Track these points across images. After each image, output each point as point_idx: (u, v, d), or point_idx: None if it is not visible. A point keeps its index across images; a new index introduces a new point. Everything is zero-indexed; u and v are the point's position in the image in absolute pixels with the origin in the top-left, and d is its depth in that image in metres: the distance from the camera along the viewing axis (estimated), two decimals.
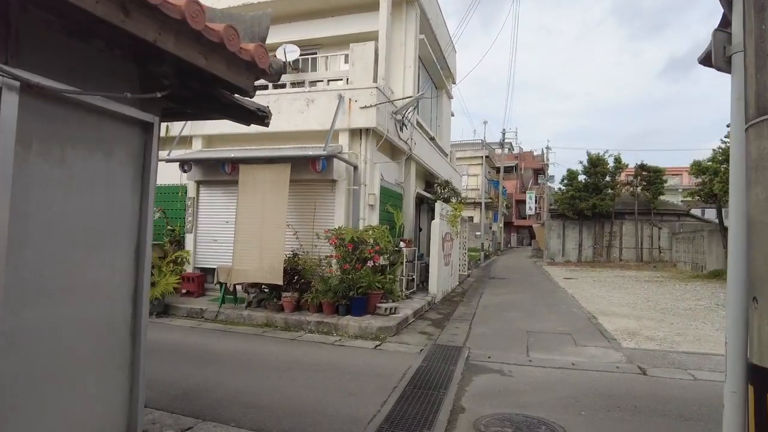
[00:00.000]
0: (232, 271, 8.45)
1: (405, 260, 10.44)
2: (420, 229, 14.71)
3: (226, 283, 8.73)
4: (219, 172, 9.32)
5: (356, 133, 9.43)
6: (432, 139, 14.95)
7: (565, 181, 26.77)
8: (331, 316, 7.93)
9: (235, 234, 8.59)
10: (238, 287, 8.93)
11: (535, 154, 64.93)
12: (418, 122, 13.12)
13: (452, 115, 19.05)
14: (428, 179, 15.52)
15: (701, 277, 18.10)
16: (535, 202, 47.20)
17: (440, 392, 4.85)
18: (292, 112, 9.58)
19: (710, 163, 18.49)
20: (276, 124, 9.66)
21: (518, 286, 15.42)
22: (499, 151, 40.76)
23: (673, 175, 49.50)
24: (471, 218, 38.45)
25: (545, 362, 6.13)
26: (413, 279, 11.22)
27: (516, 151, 60.54)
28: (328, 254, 8.36)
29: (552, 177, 50.61)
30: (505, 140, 36.54)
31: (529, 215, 47.98)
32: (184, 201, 10.43)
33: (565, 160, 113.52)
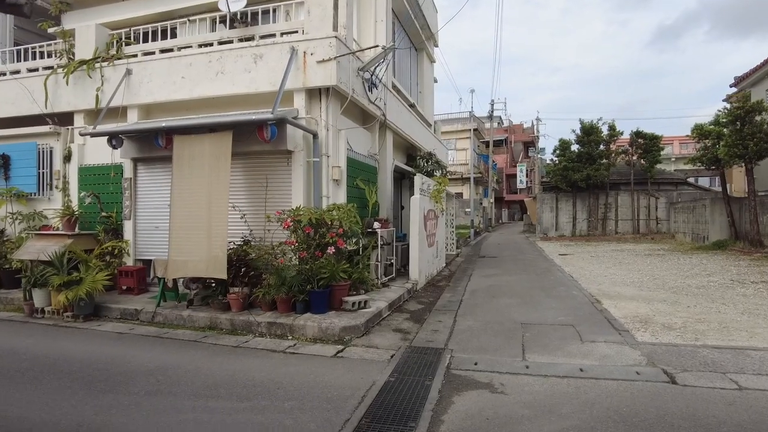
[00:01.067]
0: (168, 264, 7.05)
1: (381, 243, 9.09)
2: (402, 208, 13.36)
3: (165, 279, 7.35)
4: (156, 147, 7.83)
5: (314, 94, 7.95)
6: (412, 106, 13.47)
7: (557, 152, 25.38)
8: (286, 314, 6.58)
9: (170, 219, 7.16)
10: (180, 282, 7.54)
11: (525, 126, 63.54)
12: (394, 86, 11.63)
13: (435, 81, 17.52)
14: (410, 152, 14.10)
15: (704, 248, 16.96)
16: (526, 176, 45.98)
17: (407, 427, 3.54)
18: (237, 71, 8.05)
19: (713, 126, 17.18)
20: (219, 88, 8.20)
21: (510, 265, 14.17)
22: (488, 125, 39.20)
23: (663, 144, 48.49)
24: (460, 194, 37.18)
25: (546, 368, 4.84)
26: (392, 263, 9.89)
27: (506, 124, 59.17)
28: (285, 240, 6.96)
29: (543, 149, 49.34)
30: (494, 111, 35.01)
31: (521, 189, 46.81)
32: (120, 183, 8.93)
33: (556, 132, 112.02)
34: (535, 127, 49.69)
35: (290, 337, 6.18)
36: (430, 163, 13.44)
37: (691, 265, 12.94)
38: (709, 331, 6.14)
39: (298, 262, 6.81)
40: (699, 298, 8.32)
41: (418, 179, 9.76)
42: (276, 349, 5.71)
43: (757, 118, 15.20)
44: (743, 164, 15.81)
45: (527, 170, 44.18)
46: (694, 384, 4.35)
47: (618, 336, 5.99)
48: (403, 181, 13.40)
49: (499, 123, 58.81)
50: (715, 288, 9.33)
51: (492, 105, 35.28)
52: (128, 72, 8.72)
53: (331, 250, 6.54)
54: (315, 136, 7.72)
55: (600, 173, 23.72)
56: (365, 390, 4.31)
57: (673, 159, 49.71)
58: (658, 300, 8.25)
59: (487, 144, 39.87)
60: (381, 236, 9.41)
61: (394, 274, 9.77)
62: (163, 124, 7.48)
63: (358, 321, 6.27)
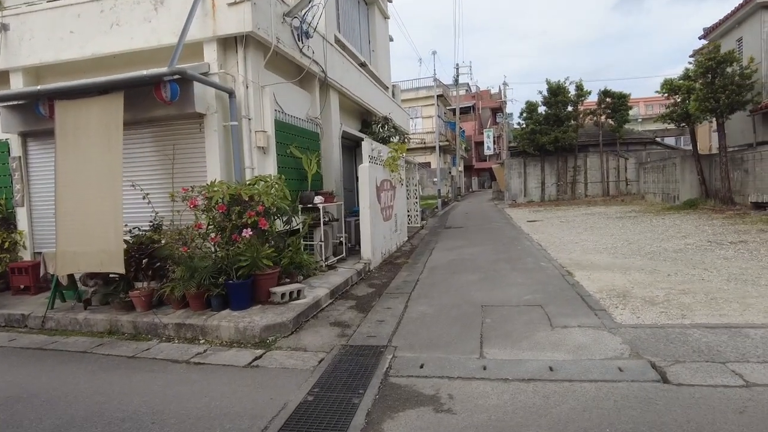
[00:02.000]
0: (57, 257, 5.77)
1: (327, 219, 7.97)
2: (357, 179, 12.19)
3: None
4: (40, 118, 6.42)
5: (230, 45, 6.62)
6: (363, 65, 12.16)
7: (524, 115, 24.45)
8: (200, 313, 5.43)
9: (55, 204, 5.84)
10: (78, 278, 6.28)
11: (492, 92, 62.49)
12: (338, 40, 10.29)
13: (391, 39, 16.16)
14: (364, 117, 12.87)
15: (676, 208, 16.43)
16: (494, 143, 45.20)
17: None
18: (135, 21, 6.63)
19: (683, 81, 16.43)
20: (116, 43, 6.77)
21: (476, 235, 13.27)
22: (454, 92, 37.94)
23: (630, 103, 48.23)
24: (428, 164, 36.14)
25: (508, 367, 3.87)
26: (343, 242, 8.79)
27: (473, 90, 58.01)
28: (196, 223, 5.74)
29: (510, 115, 48.57)
30: (460, 77, 33.74)
31: (489, 156, 46.07)
32: (7, 163, 7.49)
33: (523, 98, 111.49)
34: (502, 92, 48.78)
35: (202, 341, 5.06)
36: (386, 129, 12.26)
37: (664, 226, 12.26)
38: (696, 305, 5.28)
39: (215, 249, 5.63)
40: (678, 264, 7.52)
41: (367, 145, 8.59)
42: (179, 359, 4.58)
43: (729, 69, 14.46)
44: (714, 119, 15.15)
45: (494, 136, 43.32)
46: (691, 382, 3.44)
47: (594, 317, 5.07)
48: (357, 149, 12.19)
49: (467, 90, 57.68)
50: (694, 251, 8.58)
51: (457, 70, 33.99)
52: (3, 27, 7.17)
53: (247, 232, 5.36)
54: (231, 94, 6.43)
55: (568, 135, 22.95)
56: (270, 418, 3.25)
57: (639, 120, 49.54)
58: (635, 268, 7.41)
59: (454, 111, 38.68)
60: (327, 212, 8.27)
61: (344, 254, 8.68)
62: (39, 88, 6.06)
63: (285, 317, 5.17)
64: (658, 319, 4.86)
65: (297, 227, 6.95)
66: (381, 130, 12.22)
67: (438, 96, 35.49)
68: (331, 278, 7.01)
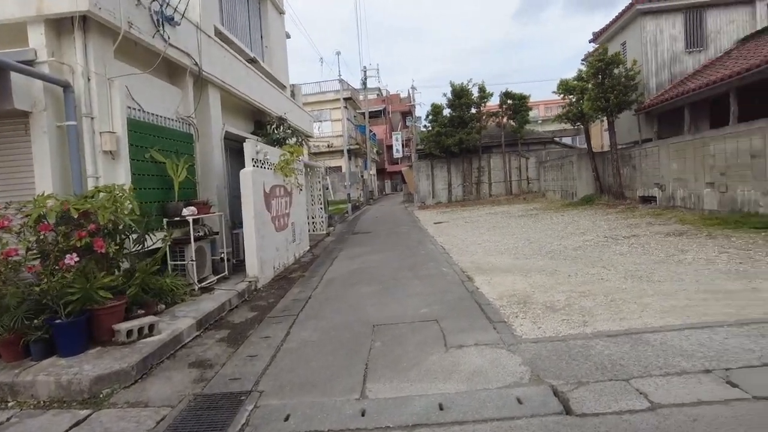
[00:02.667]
0: None
1: (202, 234, 6.92)
2: None
3: None
4: None
5: (65, 28, 5.40)
6: (253, 61, 11.13)
7: (430, 117, 24.57)
8: (13, 365, 4.21)
9: None
10: None
11: (402, 96, 63.26)
12: (219, 32, 9.23)
13: (288, 36, 15.21)
14: (258, 118, 11.83)
15: (574, 205, 17.07)
16: (404, 146, 45.53)
17: None
18: None
19: (577, 81, 17.15)
20: None
21: (383, 240, 12.72)
22: (363, 95, 37.57)
23: (530, 105, 50.96)
24: (339, 168, 35.43)
25: (391, 411, 3.19)
26: (225, 258, 7.75)
27: (383, 94, 58.31)
28: (4, 250, 4.48)
29: (419, 118, 49.21)
30: (368, 78, 33.39)
31: (397, 158, 46.32)
32: None
33: (434, 101, 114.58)
34: (411, 96, 49.36)
35: (11, 403, 3.87)
36: (281, 130, 11.33)
37: (564, 223, 12.49)
38: (596, 309, 4.99)
39: (37, 281, 4.43)
40: (578, 263, 7.40)
41: (249, 147, 7.63)
42: None
43: (616, 71, 15.22)
44: (605, 118, 15.90)
45: (404, 139, 43.63)
46: (595, 410, 2.96)
47: (492, 331, 4.58)
48: None
49: (378, 94, 57.86)
50: (592, 248, 8.59)
51: (364, 72, 33.62)
52: None
53: (71, 258, 4.23)
54: (66, 88, 5.23)
55: (472, 137, 23.33)
56: None
57: (539, 121, 52.38)
58: (535, 270, 7.16)
59: (364, 115, 38.32)
60: (203, 224, 7.22)
61: (227, 272, 7.65)
62: None
63: (127, 361, 4.13)
64: (560, 329, 4.47)
65: (159, 246, 5.85)
66: (276, 131, 11.27)
67: (346, 99, 34.93)
68: (203, 304, 5.99)
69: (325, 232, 14.97)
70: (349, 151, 35.43)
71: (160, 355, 4.53)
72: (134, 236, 5.22)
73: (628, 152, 15.85)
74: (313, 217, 14.89)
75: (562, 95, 18.09)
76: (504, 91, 24.05)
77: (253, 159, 7.71)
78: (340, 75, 27.00)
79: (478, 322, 4.89)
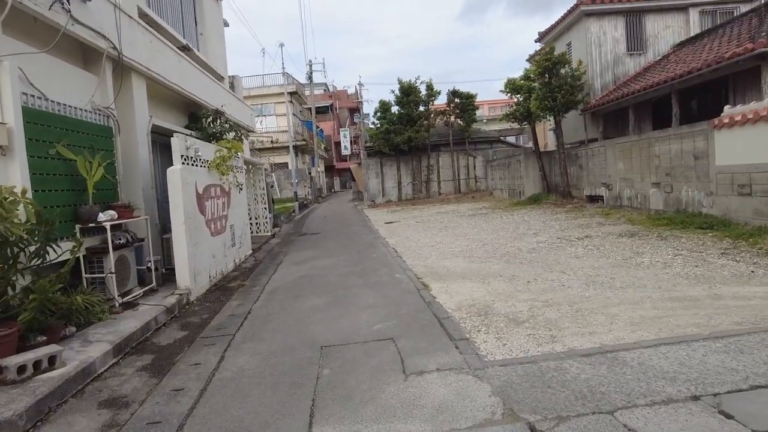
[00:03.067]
0: None
1: (125, 241, 6.04)
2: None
3: None
4: None
5: None
6: (185, 49, 10.17)
7: (378, 114, 24.10)
8: None
9: None
10: None
11: (349, 93, 62.49)
12: (144, 14, 8.26)
13: (226, 24, 14.21)
14: (193, 110, 10.86)
15: (522, 204, 17.11)
16: (353, 143, 44.91)
17: None
18: None
19: (524, 80, 17.18)
20: None
21: (331, 242, 12.08)
22: (309, 89, 36.45)
23: (476, 104, 51.69)
24: (285, 164, 34.28)
25: None
26: (153, 268, 6.87)
27: (330, 90, 57.35)
28: None
29: (367, 115, 48.71)
30: (313, 72, 32.44)
31: (345, 155, 45.67)
32: None
33: (381, 98, 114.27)
34: (358, 92, 48.75)
35: None
36: (218, 124, 10.42)
37: (515, 224, 12.34)
38: (563, 321, 4.63)
39: None
40: (536, 267, 7.11)
41: (178, 142, 6.79)
42: None
43: (562, 70, 15.31)
44: (552, 117, 15.99)
45: (352, 136, 43.00)
46: None
47: (455, 352, 4.09)
48: None
49: (325, 89, 56.76)
50: (547, 250, 8.37)
51: (310, 66, 32.68)
52: None
53: None
54: None
55: (421, 135, 23.07)
56: None
57: (484, 121, 53.32)
58: (493, 275, 6.79)
59: (311, 110, 37.26)
60: (126, 230, 6.33)
61: (155, 283, 6.76)
62: None
63: (13, 408, 3.31)
64: (528, 346, 4.05)
65: (67, 257, 4.95)
66: (212, 125, 10.36)
67: (291, 93, 33.86)
68: (123, 324, 5.16)
69: (270, 233, 14.13)
70: (295, 147, 34.36)
71: (63, 394, 3.72)
72: (33, 248, 4.33)
73: (575, 152, 16.03)
74: (256, 218, 14.01)
75: (509, 94, 18.10)
76: (451, 89, 24.00)
77: (182, 156, 6.88)
78: (283, 67, 25.43)
79: (439, 341, 4.40)
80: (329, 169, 56.25)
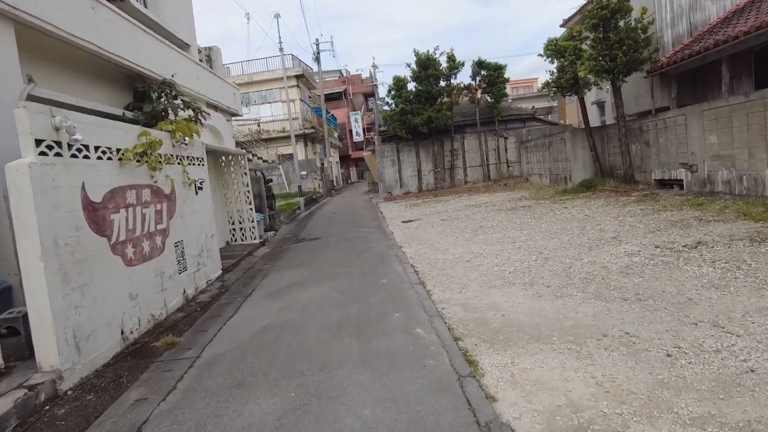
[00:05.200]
0: None
1: None
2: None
3: None
4: None
5: None
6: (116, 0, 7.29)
7: (393, 93, 20.90)
8: None
9: None
10: None
11: (363, 77, 59.21)
12: None
13: None
14: (138, 84, 8.00)
15: (571, 192, 13.87)
16: (366, 131, 41.84)
17: None
18: None
19: (569, 41, 13.87)
20: None
21: (331, 255, 9.14)
22: (317, 72, 33.44)
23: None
24: (290, 155, 31.41)
25: None
26: (20, 330, 4.03)
27: (343, 75, 54.36)
28: None
29: (383, 99, 45.53)
30: (321, 53, 29.30)
31: (358, 142, 42.64)
32: None
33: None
34: (372, 75, 45.59)
35: None
36: (166, 100, 7.55)
37: (576, 221, 9.18)
38: None
39: None
40: (658, 310, 4.06)
41: (28, 116, 3.88)
42: None
43: (621, 22, 11.96)
44: (609, 82, 12.65)
45: (365, 122, 39.87)
46: None
47: None
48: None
49: (339, 76, 53.63)
50: (652, 270, 5.29)
51: (317, 45, 29.54)
52: None
53: None
54: None
55: (442, 114, 19.86)
56: None
57: (509, 101, 49.59)
58: (589, 332, 3.78)
59: (320, 96, 34.17)
60: None
61: (2, 362, 3.94)
62: None
63: None
64: None
65: None
66: (158, 100, 7.50)
67: (298, 76, 30.90)
68: None
69: (258, 240, 11.30)
70: (304, 135, 31.48)
71: None
72: None
73: (638, 125, 12.69)
74: (240, 222, 11.18)
75: (549, 59, 14.78)
76: (476, 60, 20.63)
77: (44, 141, 3.99)
78: (280, 41, 21.45)
79: None
80: (344, 159, 53.31)
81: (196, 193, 7.40)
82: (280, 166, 29.08)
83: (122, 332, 4.82)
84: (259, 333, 4.92)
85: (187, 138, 6.88)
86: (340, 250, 9.42)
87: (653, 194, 11.14)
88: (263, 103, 31.42)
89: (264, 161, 30.74)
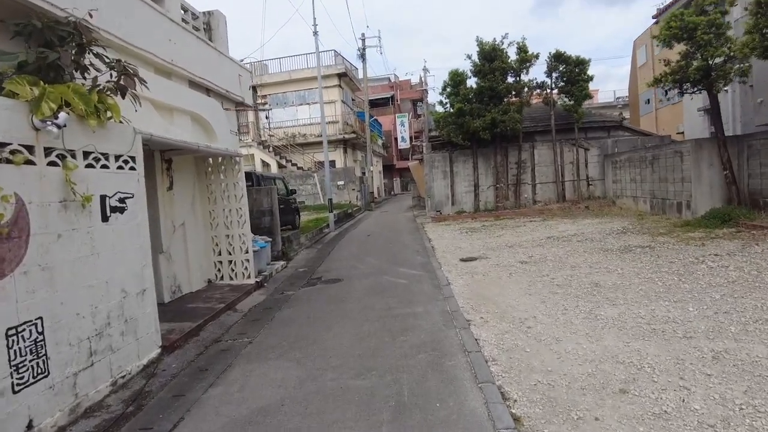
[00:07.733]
0: None
1: None
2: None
3: None
4: None
5: None
6: None
7: (448, 90, 17.23)
8: None
9: None
10: None
11: (413, 82, 55.95)
12: None
13: None
14: (51, 37, 4.74)
15: (697, 225, 9.76)
16: (416, 138, 38.36)
17: None
18: None
19: (700, 17, 9.95)
20: None
21: (347, 329, 5.62)
22: (362, 71, 30.38)
23: None
24: (333, 163, 28.31)
25: None
26: None
27: (392, 79, 51.43)
28: None
29: (433, 105, 42.02)
30: (366, 49, 26.16)
31: (403, 149, 39.12)
32: None
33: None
34: (423, 79, 42.14)
35: None
36: (69, 50, 4.29)
37: (744, 281, 5.21)
38: None
39: None
40: None
41: None
42: None
43: None
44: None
45: (412, 129, 36.37)
46: None
47: None
48: None
49: (387, 82, 50.67)
50: None
51: (363, 41, 26.42)
52: None
53: None
54: None
55: (510, 117, 16.03)
56: None
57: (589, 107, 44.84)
58: None
59: (369, 101, 31.03)
60: None
61: None
62: None
63: None
64: None
65: None
66: (59, 50, 4.24)
67: (340, 75, 27.84)
68: None
69: (252, 280, 7.92)
70: (345, 141, 28.36)
71: None
72: None
73: None
74: (230, 252, 7.86)
75: (665, 45, 10.81)
76: (553, 52, 16.73)
77: None
78: (315, 24, 17.55)
79: None
80: (388, 169, 49.93)
81: (105, 220, 4.07)
82: (315, 174, 25.99)
83: None
84: None
85: (72, 115, 3.56)
86: (364, 319, 5.84)
87: None
88: (301, 104, 28.59)
89: (299, 168, 27.82)
